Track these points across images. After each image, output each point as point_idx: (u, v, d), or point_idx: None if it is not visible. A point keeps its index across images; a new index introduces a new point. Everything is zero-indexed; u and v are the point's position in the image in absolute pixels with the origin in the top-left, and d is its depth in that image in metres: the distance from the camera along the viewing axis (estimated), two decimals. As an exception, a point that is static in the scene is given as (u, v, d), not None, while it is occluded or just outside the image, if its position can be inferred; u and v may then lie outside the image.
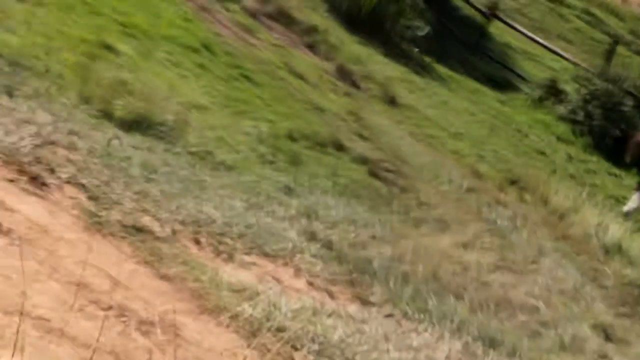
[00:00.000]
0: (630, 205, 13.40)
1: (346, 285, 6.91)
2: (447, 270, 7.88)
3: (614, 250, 10.14)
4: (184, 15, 12.15)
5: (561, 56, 19.05)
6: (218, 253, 6.27)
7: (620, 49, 20.54)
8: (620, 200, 13.67)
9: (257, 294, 5.80)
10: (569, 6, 23.35)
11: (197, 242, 6.28)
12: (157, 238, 5.93)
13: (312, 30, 14.28)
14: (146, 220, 6.06)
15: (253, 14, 13.86)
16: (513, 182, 11.24)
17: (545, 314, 7.78)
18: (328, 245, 7.30)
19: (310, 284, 6.66)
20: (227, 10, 13.41)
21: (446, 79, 16.30)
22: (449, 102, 14.98)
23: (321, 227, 7.54)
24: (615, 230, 10.69)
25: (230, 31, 12.72)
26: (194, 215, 6.56)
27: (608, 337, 7.94)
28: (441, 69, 16.41)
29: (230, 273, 6.00)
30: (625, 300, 8.95)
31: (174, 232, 6.16)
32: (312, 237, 7.29)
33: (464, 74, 16.82)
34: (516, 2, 21.72)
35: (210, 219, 6.61)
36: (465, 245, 8.56)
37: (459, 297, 7.49)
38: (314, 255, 7.01)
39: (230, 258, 6.29)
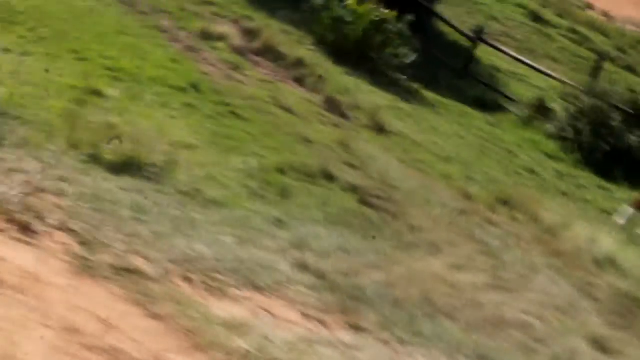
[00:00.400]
0: (620, 217, 13.49)
1: (340, 314, 6.98)
2: (441, 292, 7.95)
3: (607, 264, 10.22)
4: (170, 56, 12.31)
5: (548, 75, 19.21)
6: (210, 289, 6.35)
7: (607, 65, 20.71)
8: (612, 214, 13.76)
9: (250, 328, 5.88)
10: (554, 26, 23.57)
11: (189, 280, 6.36)
12: (148, 278, 6.02)
13: (299, 63, 14.42)
14: (137, 262, 6.15)
15: (240, 51, 14.01)
16: (504, 202, 11.31)
17: (540, 330, 7.85)
18: (320, 275, 7.37)
19: (304, 314, 6.74)
20: (214, 49, 13.57)
21: (434, 104, 16.43)
22: (438, 126, 15.09)
23: (313, 257, 7.62)
24: (608, 243, 10.76)
25: (218, 69, 12.87)
26: (184, 253, 6.65)
27: (603, 350, 7.99)
28: (429, 95, 16.55)
29: (223, 309, 6.08)
30: (619, 312, 9.01)
31: (165, 271, 6.25)
32: (304, 268, 7.37)
33: (452, 99, 16.95)
34: (501, 25, 21.94)
35: (201, 256, 6.70)
36: (457, 267, 8.63)
37: (453, 318, 7.55)
38: (306, 286, 7.09)
39: (222, 294, 6.37)
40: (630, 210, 13.61)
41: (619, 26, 25.65)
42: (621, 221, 13.44)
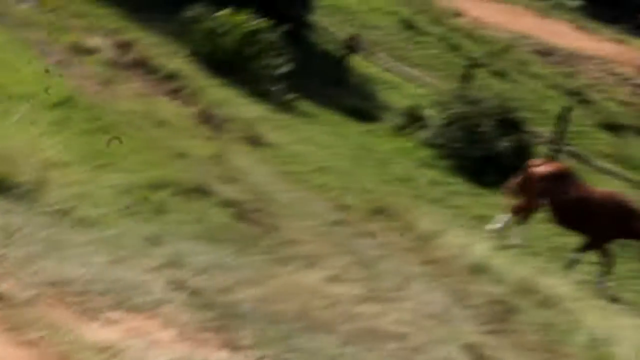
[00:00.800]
0: (496, 224, 13.78)
1: (216, 331, 6.95)
2: (317, 306, 7.98)
3: (480, 270, 10.43)
4: (40, 71, 12.07)
5: (420, 83, 19.54)
6: (82, 312, 6.24)
7: (478, 72, 21.16)
8: (485, 220, 14.06)
9: (123, 350, 5.80)
10: (426, 34, 23.96)
11: (60, 303, 6.24)
12: (17, 304, 5.88)
13: (173, 76, 14.36)
14: (5, 287, 6.01)
15: (113, 65, 13.86)
16: (379, 212, 11.45)
17: (415, 340, 7.95)
18: (196, 292, 7.32)
19: (180, 334, 6.67)
20: (86, 62, 13.38)
21: (310, 115, 16.54)
22: (314, 137, 15.20)
23: (188, 274, 7.56)
24: (481, 250, 11.00)
25: (90, 84, 12.70)
26: (55, 275, 6.52)
27: (478, 357, 8.15)
28: (305, 106, 16.65)
29: (95, 332, 5.99)
30: (493, 317, 9.21)
31: (35, 295, 6.12)
32: (179, 286, 7.31)
33: (327, 109, 17.09)
34: (375, 34, 22.21)
35: (73, 278, 6.58)
36: (333, 279, 8.68)
37: (329, 332, 7.59)
38: (181, 305, 7.03)
39: (94, 316, 6.27)
40: (506, 217, 13.92)
41: (490, 33, 26.22)
42: (498, 228, 13.73)
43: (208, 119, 13.07)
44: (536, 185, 13.85)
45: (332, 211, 10.99)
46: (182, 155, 10.87)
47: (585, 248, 13.85)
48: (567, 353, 9.03)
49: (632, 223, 13.67)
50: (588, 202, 13.80)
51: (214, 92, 14.51)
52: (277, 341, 7.02)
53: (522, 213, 13.92)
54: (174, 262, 7.70)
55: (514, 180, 14.20)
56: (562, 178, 13.94)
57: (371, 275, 9.20)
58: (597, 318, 10.22)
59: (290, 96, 16.65)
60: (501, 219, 13.90)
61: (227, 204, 9.77)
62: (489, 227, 13.69)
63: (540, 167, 14.15)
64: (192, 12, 16.80)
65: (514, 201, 14.10)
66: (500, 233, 13.57)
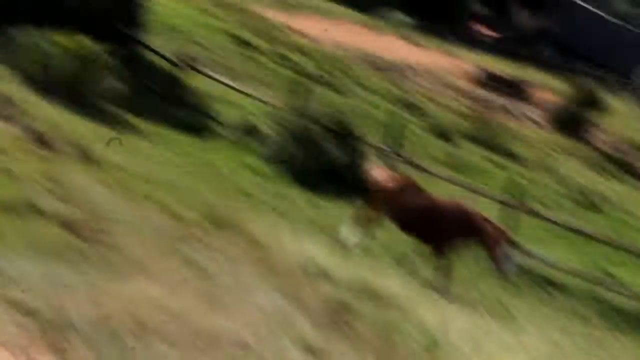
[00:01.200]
0: (346, 234, 14.05)
1: (53, 351, 6.85)
2: (156, 320, 7.94)
3: (317, 273, 10.59)
4: None
5: (258, 99, 19.68)
6: None
7: (312, 86, 21.43)
8: (326, 229, 14.28)
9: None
10: (259, 50, 24.15)
11: None
12: None
13: (5, 100, 14.03)
14: None
15: None
16: (220, 225, 11.46)
17: (253, 344, 8.00)
18: (30, 312, 7.19)
19: (13, 355, 6.56)
20: None
21: (148, 133, 16.43)
22: (153, 155, 15.11)
23: (21, 295, 7.42)
24: (320, 256, 11.16)
25: None
26: None
27: (314, 355, 8.27)
28: (140, 123, 16.54)
29: None
30: (331, 320, 9.34)
31: None
32: (12, 306, 7.17)
33: (163, 126, 17.02)
34: (207, 50, 22.25)
35: None
36: (172, 293, 8.63)
37: (169, 345, 7.58)
38: (15, 325, 6.91)
39: None
40: (352, 226, 14.21)
41: (323, 48, 26.63)
42: (345, 235, 14.00)
43: (40, 140, 12.82)
44: (380, 195, 14.20)
45: (170, 226, 10.93)
46: (12, 176, 10.63)
47: (430, 253, 14.26)
48: (403, 347, 9.26)
49: (474, 228, 14.18)
50: (432, 211, 14.21)
51: (48, 114, 14.23)
52: (115, 357, 6.97)
53: (367, 222, 14.22)
54: (5, 283, 7.54)
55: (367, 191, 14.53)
56: (405, 188, 14.32)
57: (211, 286, 9.20)
58: (435, 317, 10.49)
59: (126, 115, 16.53)
60: (347, 228, 14.17)
61: (61, 223, 9.61)
62: (339, 236, 13.98)
63: (384, 178, 14.51)
64: (24, 38, 16.51)
65: (359, 210, 14.41)
66: (345, 241, 13.83)
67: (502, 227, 14.69)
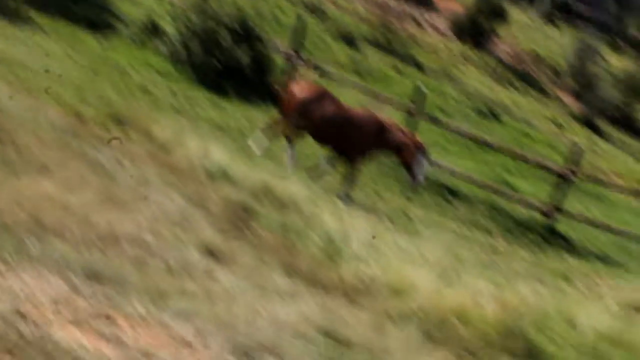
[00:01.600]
0: (256, 142, 13.91)
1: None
2: (51, 214, 7.75)
3: (219, 176, 10.47)
4: None
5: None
6: None
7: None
8: (225, 129, 14.12)
9: None
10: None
11: None
12: None
13: None
14: None
15: None
16: (117, 122, 11.21)
17: (153, 244, 7.89)
18: None
19: None
20: None
21: (45, 28, 15.92)
22: (50, 50, 14.68)
23: None
24: (220, 157, 11.03)
25: None
26: None
27: (216, 259, 8.20)
28: (40, 18, 16.01)
29: None
30: (231, 222, 9.27)
31: None
32: None
33: (63, 21, 16.52)
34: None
35: None
36: (68, 188, 8.43)
37: (64, 239, 7.40)
38: None
39: None
40: (260, 133, 14.08)
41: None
42: (253, 142, 13.89)
43: None
44: (295, 103, 14.00)
45: (68, 122, 10.65)
46: None
47: (342, 163, 14.28)
48: (304, 251, 9.25)
49: (385, 136, 14.19)
50: (347, 121, 14.11)
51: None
52: (8, 249, 6.79)
53: (277, 130, 14.08)
54: None
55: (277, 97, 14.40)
56: (320, 97, 14.14)
57: (108, 183, 9.02)
58: (338, 224, 10.49)
59: (24, 8, 15.97)
60: (256, 136, 14.05)
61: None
62: (247, 142, 13.87)
63: (299, 87, 14.32)
64: None
65: (270, 119, 14.30)
66: (253, 147, 13.73)
67: (417, 137, 14.75)
